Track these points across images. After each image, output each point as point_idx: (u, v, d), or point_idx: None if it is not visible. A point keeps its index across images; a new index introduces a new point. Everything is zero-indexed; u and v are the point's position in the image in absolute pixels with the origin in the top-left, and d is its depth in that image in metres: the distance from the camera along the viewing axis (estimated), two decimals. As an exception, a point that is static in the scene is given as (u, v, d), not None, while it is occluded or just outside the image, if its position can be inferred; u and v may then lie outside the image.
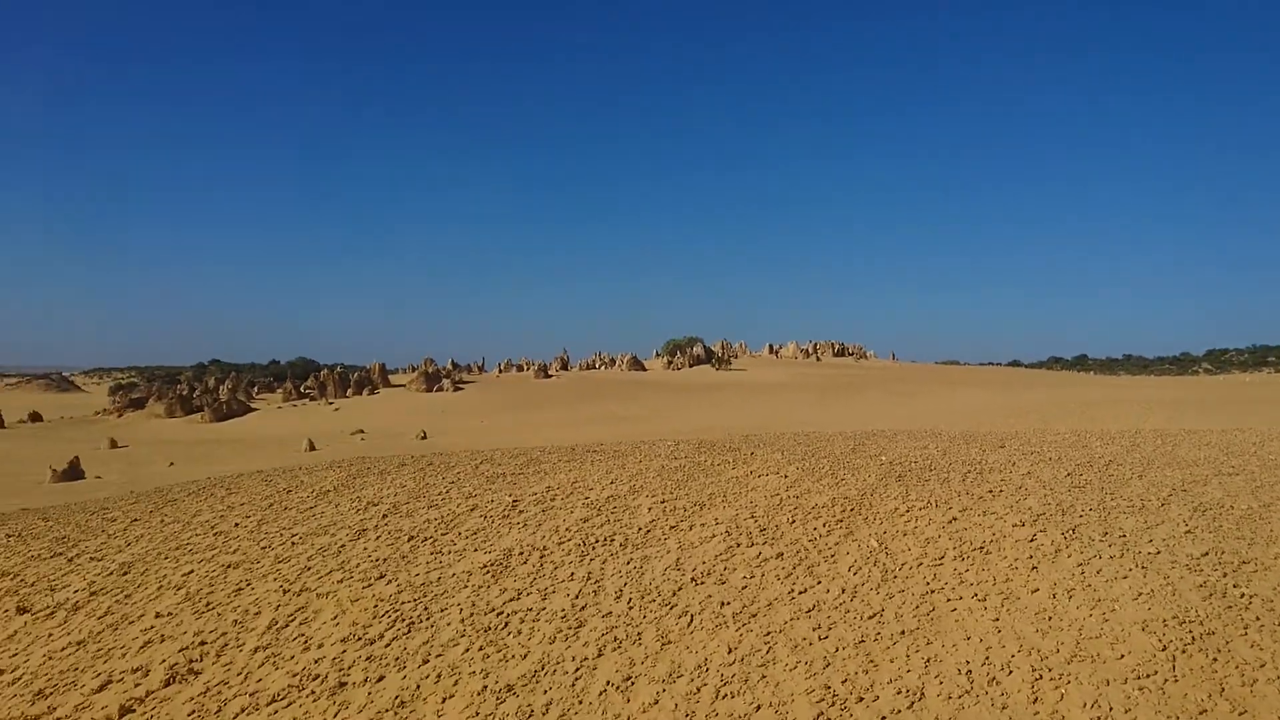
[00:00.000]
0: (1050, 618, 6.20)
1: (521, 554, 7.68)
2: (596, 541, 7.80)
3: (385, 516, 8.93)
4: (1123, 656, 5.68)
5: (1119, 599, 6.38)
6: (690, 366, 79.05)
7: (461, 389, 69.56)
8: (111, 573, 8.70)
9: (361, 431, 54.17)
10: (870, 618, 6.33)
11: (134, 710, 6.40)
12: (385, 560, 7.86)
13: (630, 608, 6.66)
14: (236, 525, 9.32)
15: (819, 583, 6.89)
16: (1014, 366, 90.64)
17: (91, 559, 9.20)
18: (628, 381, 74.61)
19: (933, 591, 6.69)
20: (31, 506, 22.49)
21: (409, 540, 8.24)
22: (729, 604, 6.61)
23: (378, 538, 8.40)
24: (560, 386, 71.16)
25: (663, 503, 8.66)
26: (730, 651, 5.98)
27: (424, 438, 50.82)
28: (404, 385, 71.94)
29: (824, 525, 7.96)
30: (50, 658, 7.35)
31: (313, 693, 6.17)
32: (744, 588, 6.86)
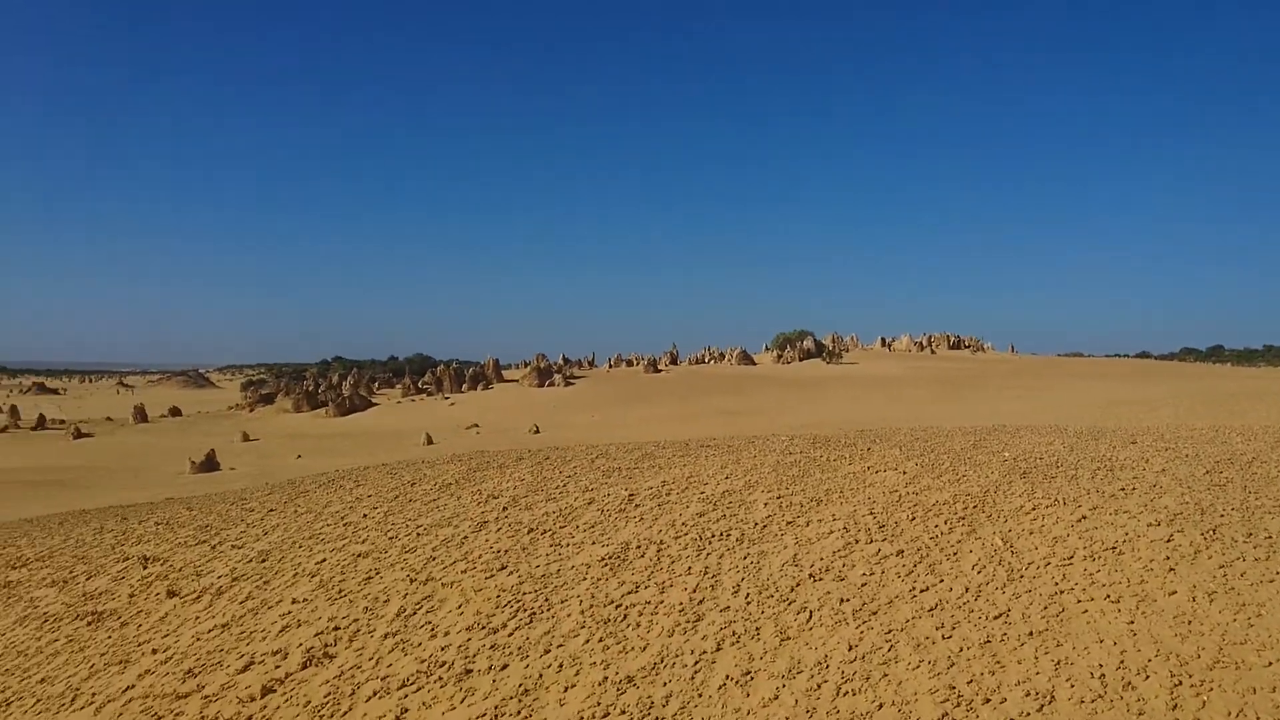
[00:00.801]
0: (1190, 621, 5.93)
1: (639, 548, 7.76)
2: (713, 536, 7.82)
3: (505, 509, 9.15)
4: (1270, 664, 5.39)
5: (1266, 603, 6.05)
6: (800, 360, 78.16)
7: (573, 384, 70.52)
8: (251, 560, 9.17)
9: (476, 426, 55.56)
10: (996, 618, 6.17)
11: (275, 690, 6.73)
12: (506, 552, 8.06)
13: (748, 603, 6.66)
14: (365, 516, 9.70)
15: (941, 581, 6.75)
16: (1143, 358, 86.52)
17: (233, 546, 9.71)
18: (737, 376, 74.29)
19: (1062, 592, 6.48)
20: (174, 496, 23.87)
21: (529, 533, 8.43)
22: (848, 601, 6.54)
23: (498, 530, 8.62)
24: (670, 381, 71.39)
25: (779, 498, 8.62)
26: (851, 649, 5.92)
27: (536, 432, 51.77)
28: (517, 380, 73.40)
29: (945, 522, 7.79)
30: (198, 639, 7.80)
31: (440, 679, 6.38)
32: (863, 585, 6.78)
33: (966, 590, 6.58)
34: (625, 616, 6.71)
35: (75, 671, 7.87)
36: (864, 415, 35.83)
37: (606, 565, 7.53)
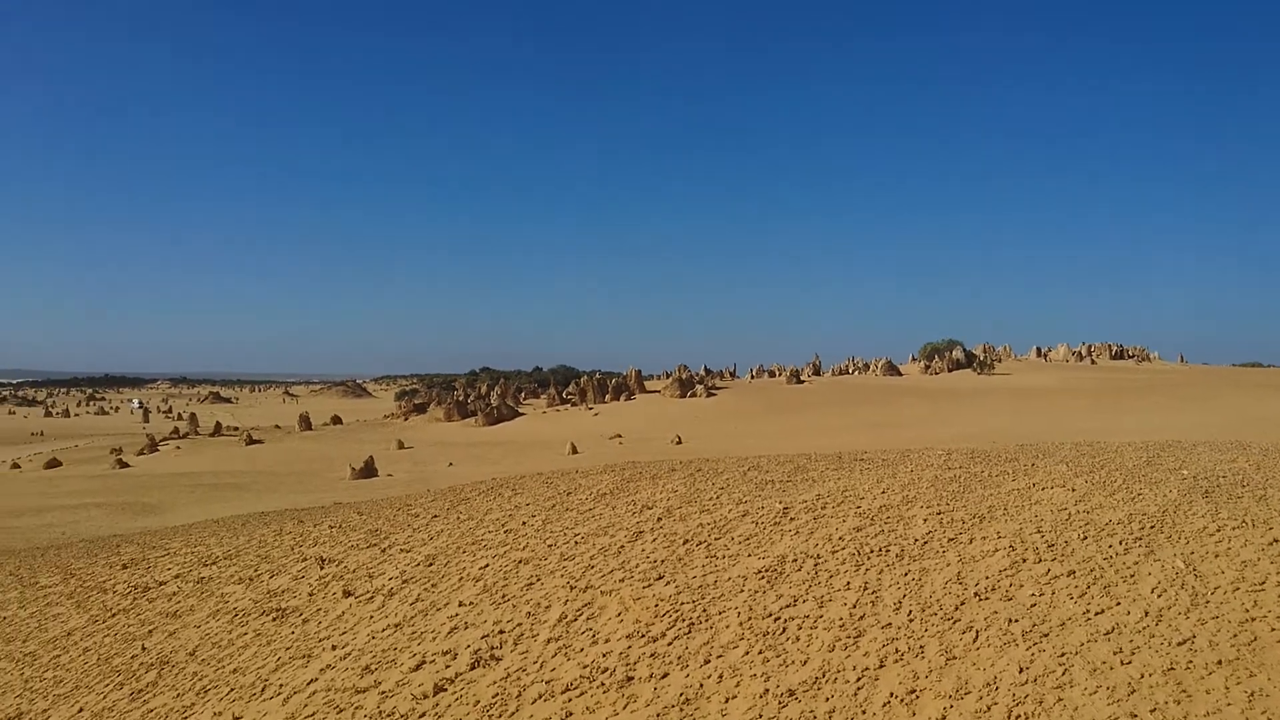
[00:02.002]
0: (1406, 657, 5.47)
1: (795, 561, 7.74)
2: (871, 551, 7.71)
3: (660, 520, 9.28)
4: None
5: None
6: (949, 371, 75.78)
7: (714, 395, 70.55)
8: (419, 563, 9.61)
9: (619, 436, 56.32)
10: (1179, 644, 5.86)
11: (445, 689, 7.04)
12: (663, 562, 8.18)
13: (910, 620, 6.55)
14: (524, 524, 10.02)
15: (1117, 604, 6.45)
16: (1332, 369, 79.84)
17: (401, 550, 10.21)
18: (883, 387, 72.67)
19: (1253, 619, 6.09)
20: (337, 500, 25.18)
21: (684, 543, 8.53)
22: (1017, 621, 6.34)
23: (654, 540, 8.75)
24: (813, 392, 70.46)
25: (939, 514, 8.43)
26: (1022, 671, 5.73)
27: (678, 443, 52.02)
28: (659, 391, 73.98)
29: (1120, 543, 7.44)
30: (373, 637, 8.23)
31: (602, 684, 6.53)
32: (1033, 605, 6.55)
33: (1146, 614, 6.27)
34: (784, 630, 6.70)
35: (263, 663, 8.44)
36: (1020, 429, 34.43)
37: (763, 578, 7.53)
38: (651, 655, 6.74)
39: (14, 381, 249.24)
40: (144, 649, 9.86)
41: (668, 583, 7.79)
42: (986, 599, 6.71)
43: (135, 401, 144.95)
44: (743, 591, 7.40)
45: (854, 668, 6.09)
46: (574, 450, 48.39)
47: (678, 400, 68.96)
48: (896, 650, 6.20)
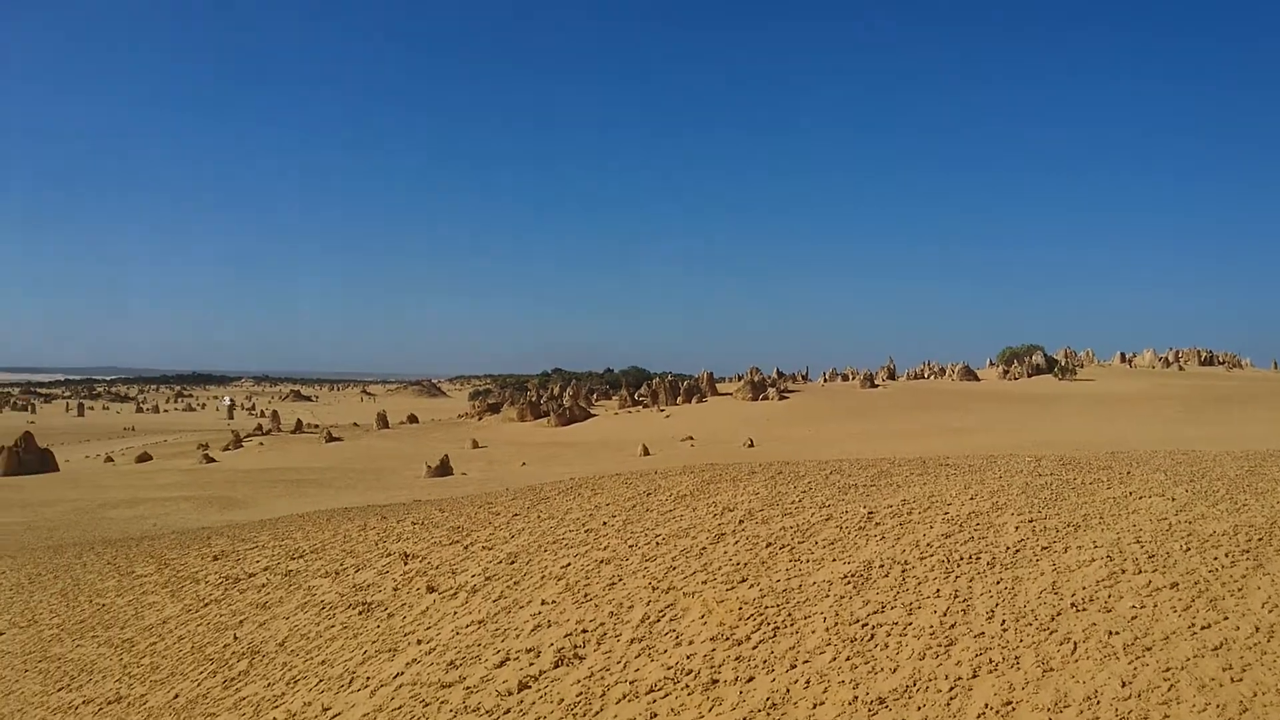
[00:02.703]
0: None
1: (882, 566, 7.60)
2: (961, 559, 7.54)
3: (741, 522, 9.21)
4: None
5: None
6: (1029, 376, 73.94)
7: (787, 398, 70.01)
8: (501, 561, 9.70)
9: (691, 438, 56.23)
10: (1295, 663, 5.59)
11: (530, 686, 7.08)
12: (745, 565, 8.11)
13: (1004, 630, 6.37)
14: (604, 524, 10.04)
15: (1225, 618, 6.19)
16: None
17: (483, 548, 10.31)
18: (960, 392, 71.26)
19: (1375, 639, 5.79)
20: (414, 498, 25.59)
21: (766, 546, 8.45)
22: (1117, 634, 6.13)
23: (736, 543, 8.69)
24: (888, 397, 69.45)
25: (1030, 522, 8.20)
26: (1124, 685, 5.53)
27: (751, 446, 51.71)
28: (731, 394, 73.67)
29: (1226, 555, 7.15)
30: (457, 633, 8.33)
31: (687, 686, 6.50)
32: (1133, 618, 6.32)
33: (1257, 630, 6.00)
34: (872, 636, 6.59)
35: (351, 656, 8.60)
36: (1106, 436, 33.43)
37: (849, 583, 7.42)
38: (736, 658, 6.68)
39: (108, 378, 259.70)
40: (235, 638, 10.13)
41: (751, 586, 7.72)
42: (1084, 610, 6.51)
43: (227, 399, 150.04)
44: (828, 596, 7.30)
45: (946, 677, 5.95)
46: (645, 452, 48.47)
47: (750, 403, 68.57)
48: (990, 660, 6.04)
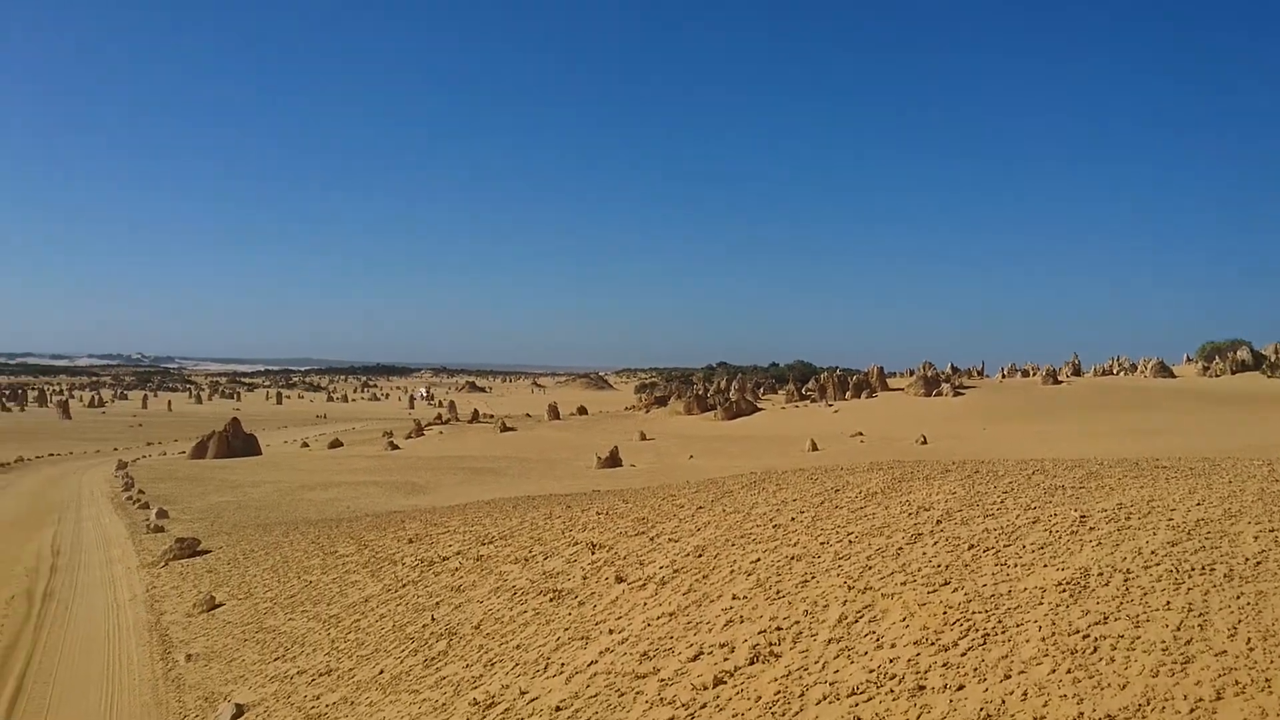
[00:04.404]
0: None
1: (1101, 575, 7.10)
2: (1192, 569, 6.95)
3: (939, 523, 8.84)
4: None
5: None
6: (1232, 374, 68.34)
7: (962, 394, 67.45)
8: (688, 554, 9.69)
9: (860, 434, 55.01)
10: None
11: (725, 682, 7.02)
12: (947, 567, 7.77)
13: (1250, 649, 5.81)
14: (793, 520, 9.87)
15: None
16: None
17: (669, 540, 10.34)
18: (1153, 389, 66.68)
19: None
20: (587, 489, 26.08)
21: (969, 549, 8.06)
22: (1390, 662, 5.48)
23: (935, 543, 8.34)
24: (1071, 394, 65.78)
25: (1271, 532, 7.48)
26: (1403, 719, 4.94)
27: (924, 443, 50.07)
28: (902, 389, 71.62)
29: None
30: (648, 624, 8.36)
31: (891, 691, 6.26)
32: (1407, 644, 5.64)
33: None
34: (1095, 649, 6.15)
35: (544, 642, 8.78)
36: (1330, 439, 30.45)
37: (1064, 591, 6.97)
38: (944, 665, 6.39)
39: (303, 369, 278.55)
40: (433, 619, 10.56)
41: (955, 589, 7.38)
42: (1346, 632, 5.86)
43: (423, 390, 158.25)
44: (1041, 604, 6.88)
45: (1185, 697, 5.47)
46: (814, 447, 47.77)
47: (922, 399, 66.44)
48: (1236, 682, 5.52)
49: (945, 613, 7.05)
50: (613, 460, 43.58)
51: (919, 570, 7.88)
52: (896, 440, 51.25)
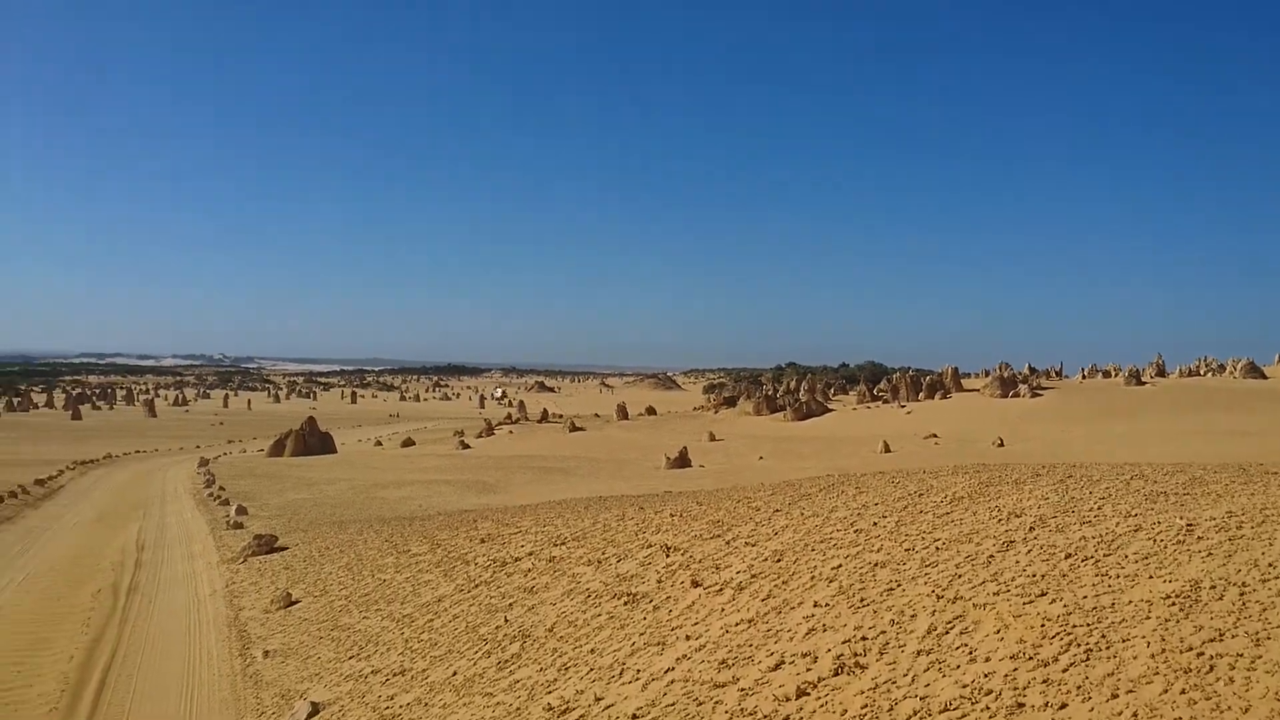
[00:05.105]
0: None
1: (1213, 588, 6.65)
2: (1316, 583, 6.46)
3: (1032, 530, 8.43)
4: None
5: None
6: (1332, 374, 65.36)
7: (1040, 395, 65.68)
8: (766, 559, 9.41)
9: (935, 435, 53.86)
10: None
11: (808, 694, 6.74)
12: (1043, 577, 7.37)
13: (1390, 673, 5.35)
14: (875, 524, 9.52)
15: None
16: None
17: (746, 544, 10.07)
18: (1242, 390, 64.14)
19: None
20: (657, 489, 25.88)
21: (1066, 558, 7.65)
22: None
23: (1028, 552, 7.94)
24: (1156, 395, 63.58)
25: (1404, 544, 6.94)
26: None
27: (1000, 445, 48.81)
28: (977, 390, 70.00)
29: None
30: (726, 631, 8.12)
31: (987, 708, 5.92)
32: None
33: None
34: (1211, 668, 5.73)
35: (619, 647, 8.59)
36: None
37: (1174, 604, 6.53)
38: (1044, 681, 6.02)
39: (376, 369, 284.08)
40: (506, 621, 10.46)
41: (1052, 600, 6.98)
42: None
43: (498, 390, 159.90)
44: (1149, 618, 6.46)
45: (1316, 723, 5.05)
46: (886, 449, 46.88)
47: (999, 400, 64.81)
48: (1375, 709, 5.07)
49: (1043, 625, 6.67)
50: (682, 461, 43.31)
51: (1012, 580, 7.49)
52: (972, 442, 50.04)
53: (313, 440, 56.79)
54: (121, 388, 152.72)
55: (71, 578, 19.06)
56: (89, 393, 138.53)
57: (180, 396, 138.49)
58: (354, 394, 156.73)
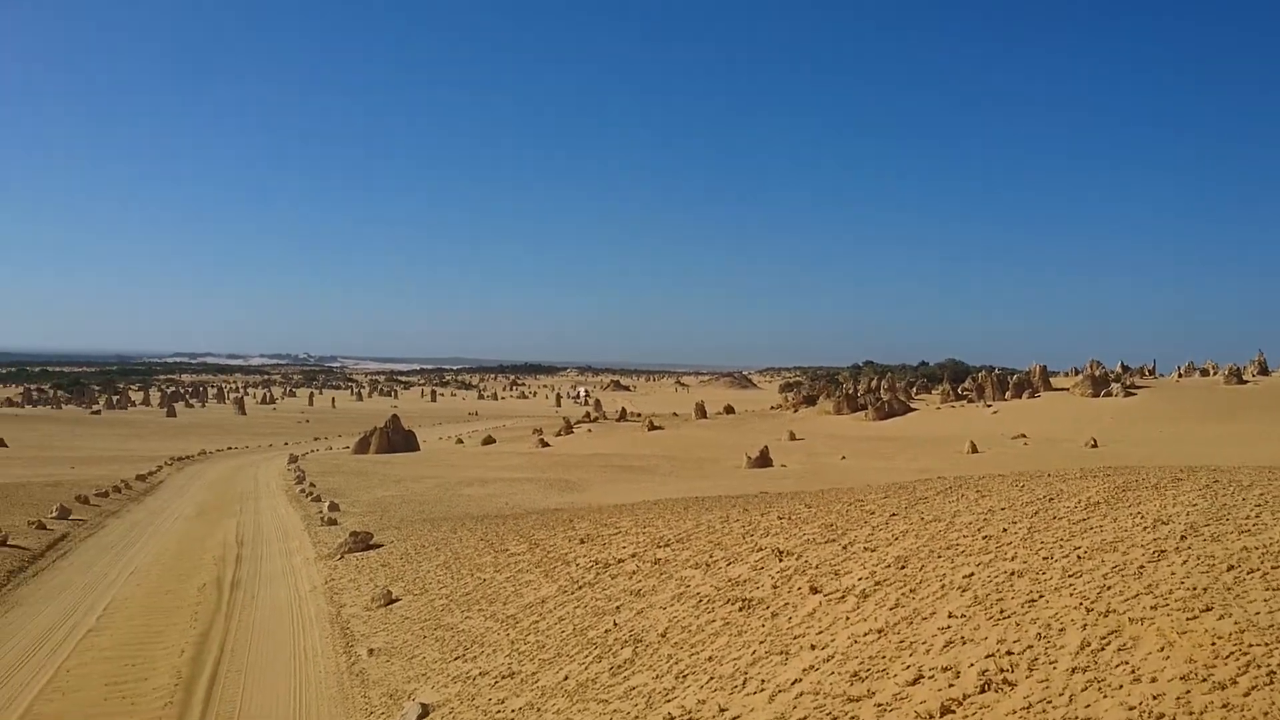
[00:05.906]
0: None
1: (1407, 607, 6.09)
2: None
3: (1184, 538, 7.89)
4: None
5: None
6: None
7: (1133, 394, 63.40)
8: (889, 565, 9.02)
9: (1023, 436, 52.34)
10: None
11: (953, 711, 6.35)
12: (1206, 590, 6.86)
13: None
14: (1004, 531, 9.06)
15: None
16: None
17: (865, 549, 9.69)
18: (1358, 389, 60.85)
19: None
20: (740, 490, 25.48)
21: (1228, 569, 7.11)
22: None
23: (1184, 562, 7.42)
24: (1259, 394, 60.85)
25: None
26: None
27: (1094, 446, 47.20)
28: (1066, 389, 67.92)
29: None
30: (854, 641, 7.76)
31: (1160, 734, 5.48)
32: None
33: None
34: None
35: (739, 655, 8.30)
36: None
37: (1362, 624, 5.99)
38: (1223, 705, 5.55)
39: (455, 368, 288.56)
40: (615, 625, 10.24)
41: (1220, 616, 6.48)
42: None
43: (582, 390, 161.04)
44: (1335, 639, 5.92)
45: None
46: (973, 449, 45.67)
47: (1090, 399, 62.71)
48: None
49: (1214, 644, 6.18)
50: (763, 460, 42.80)
51: (1170, 593, 6.99)
52: (1063, 442, 48.47)
53: (396, 438, 57.67)
54: (212, 386, 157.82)
55: (177, 571, 19.50)
56: (182, 391, 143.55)
57: (268, 395, 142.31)
58: (434, 392, 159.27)
